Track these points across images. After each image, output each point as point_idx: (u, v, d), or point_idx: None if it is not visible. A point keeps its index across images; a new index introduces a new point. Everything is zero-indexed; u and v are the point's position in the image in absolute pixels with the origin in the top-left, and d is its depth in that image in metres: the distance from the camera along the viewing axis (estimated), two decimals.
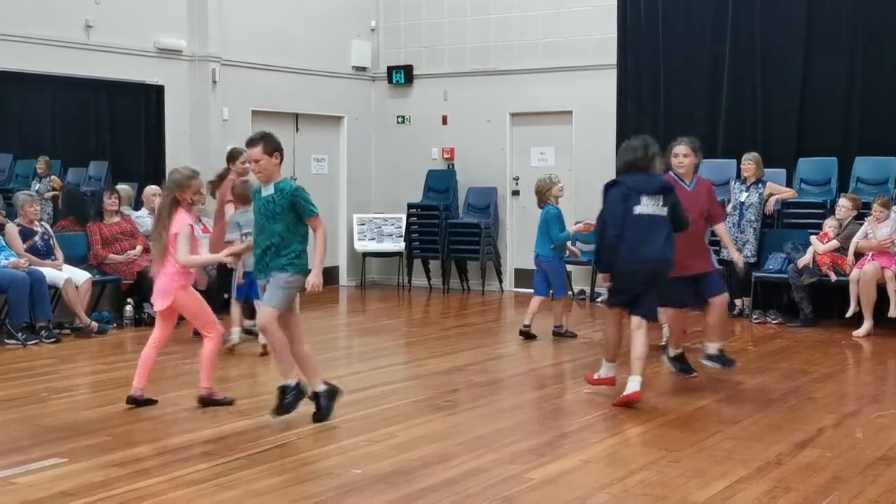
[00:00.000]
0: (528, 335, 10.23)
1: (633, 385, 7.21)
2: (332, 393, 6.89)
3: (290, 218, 6.72)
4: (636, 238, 7.20)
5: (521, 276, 14.26)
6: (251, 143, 6.83)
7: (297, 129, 14.78)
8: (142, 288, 11.10)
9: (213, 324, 7.27)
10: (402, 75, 15.40)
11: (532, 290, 10.49)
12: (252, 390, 8.09)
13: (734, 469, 5.74)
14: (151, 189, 11.77)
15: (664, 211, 7.29)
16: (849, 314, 10.65)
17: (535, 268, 10.44)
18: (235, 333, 9.46)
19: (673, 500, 5.21)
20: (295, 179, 14.50)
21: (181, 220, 7.12)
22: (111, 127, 13.06)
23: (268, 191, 6.78)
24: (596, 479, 5.63)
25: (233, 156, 10.12)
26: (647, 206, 7.23)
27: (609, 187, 7.41)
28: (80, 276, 10.60)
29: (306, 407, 7.28)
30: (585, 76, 14.01)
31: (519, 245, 14.32)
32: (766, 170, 11.90)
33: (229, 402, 7.25)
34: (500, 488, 5.41)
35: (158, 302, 7.19)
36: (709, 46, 13.14)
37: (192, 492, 5.37)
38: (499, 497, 5.26)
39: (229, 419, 6.91)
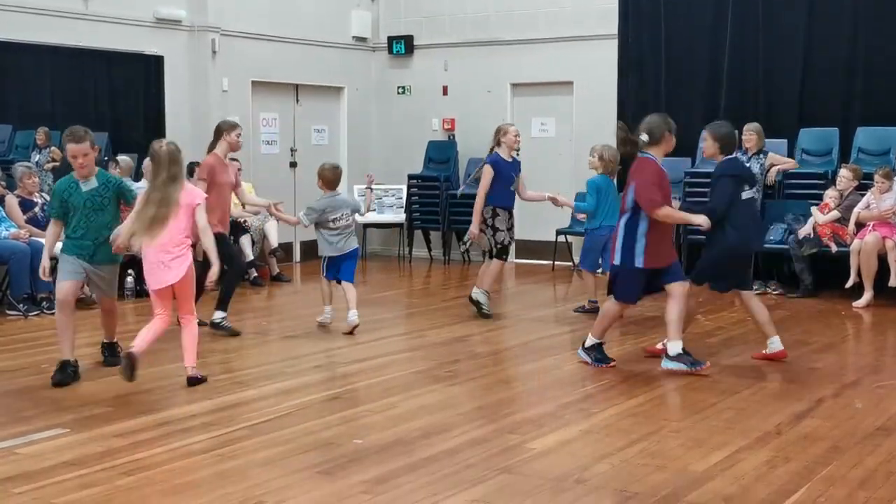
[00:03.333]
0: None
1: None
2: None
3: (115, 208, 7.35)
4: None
5: (523, 248, 14.25)
6: (79, 139, 7.16)
7: (298, 100, 14.73)
8: (140, 259, 11.08)
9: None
10: (402, 45, 15.33)
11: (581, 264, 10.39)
12: (251, 361, 8.11)
13: (734, 439, 5.76)
14: None
15: None
16: (848, 284, 10.65)
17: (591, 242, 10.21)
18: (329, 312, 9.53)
19: (673, 470, 5.23)
20: (295, 151, 14.56)
21: (197, 192, 7.26)
22: (110, 98, 13.02)
23: (91, 184, 7.21)
24: (596, 449, 5.66)
25: (223, 129, 9.25)
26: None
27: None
28: None
29: (304, 378, 7.30)
30: (587, 46, 13.95)
31: (520, 216, 14.27)
32: (767, 140, 11.87)
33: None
34: (501, 458, 5.43)
35: (173, 276, 6.95)
36: (710, 16, 13.08)
37: (193, 462, 5.39)
38: (499, 467, 5.28)
39: (230, 390, 6.92)
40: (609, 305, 7.71)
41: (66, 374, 7.12)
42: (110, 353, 7.76)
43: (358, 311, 9.11)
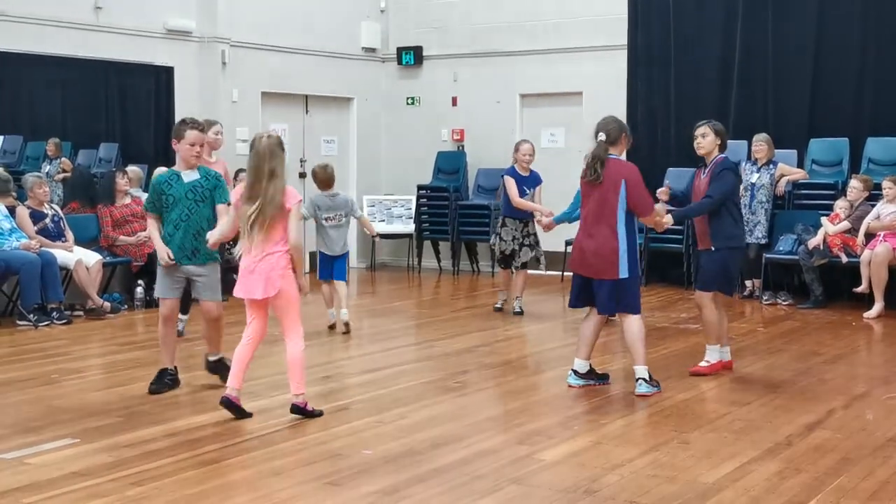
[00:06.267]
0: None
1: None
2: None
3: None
4: None
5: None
6: (203, 128, 7.20)
7: (307, 111, 14.77)
8: (151, 270, 11.13)
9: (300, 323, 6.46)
10: (411, 56, 15.37)
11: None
12: (259, 372, 8.10)
13: (744, 450, 5.75)
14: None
15: None
16: (859, 289, 10.60)
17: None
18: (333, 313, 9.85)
19: (683, 481, 5.21)
20: (304, 162, 14.58)
21: (294, 194, 6.37)
22: (121, 108, 13.06)
23: (193, 175, 7.03)
24: (606, 460, 5.64)
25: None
26: None
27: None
28: (91, 257, 10.63)
29: (313, 388, 7.29)
30: (595, 57, 13.96)
31: None
32: (777, 150, 11.87)
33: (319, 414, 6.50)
34: (510, 469, 5.42)
35: (262, 289, 6.23)
36: (720, 27, 13.08)
37: (203, 473, 5.39)
38: (509, 478, 5.27)
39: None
40: (637, 324, 7.22)
41: (163, 382, 7.17)
42: (216, 369, 7.36)
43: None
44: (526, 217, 10.58)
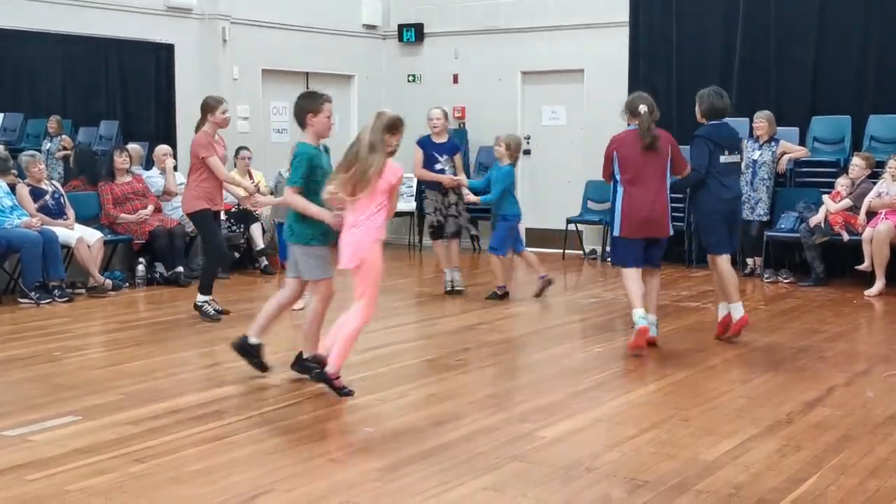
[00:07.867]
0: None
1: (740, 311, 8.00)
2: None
3: None
4: None
5: (532, 236, 14.24)
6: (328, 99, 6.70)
7: (308, 88, 14.71)
8: (153, 247, 11.16)
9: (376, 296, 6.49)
10: (412, 33, 15.31)
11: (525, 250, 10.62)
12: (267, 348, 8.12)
13: (744, 428, 5.76)
14: (162, 149, 11.77)
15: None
16: (862, 267, 10.60)
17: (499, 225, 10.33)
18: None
19: (683, 459, 5.23)
20: None
21: (397, 169, 6.28)
22: (122, 86, 13.05)
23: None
24: (607, 437, 5.66)
25: (210, 106, 8.98)
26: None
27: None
28: (92, 235, 10.63)
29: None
30: (597, 34, 13.91)
31: (530, 205, 14.23)
32: (778, 128, 11.84)
33: (349, 394, 6.42)
34: (511, 447, 5.44)
35: (350, 258, 6.28)
36: (722, 4, 13.03)
37: (205, 450, 5.41)
38: (509, 455, 5.29)
39: (242, 379, 6.93)
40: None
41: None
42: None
43: None
44: (442, 187, 10.42)
